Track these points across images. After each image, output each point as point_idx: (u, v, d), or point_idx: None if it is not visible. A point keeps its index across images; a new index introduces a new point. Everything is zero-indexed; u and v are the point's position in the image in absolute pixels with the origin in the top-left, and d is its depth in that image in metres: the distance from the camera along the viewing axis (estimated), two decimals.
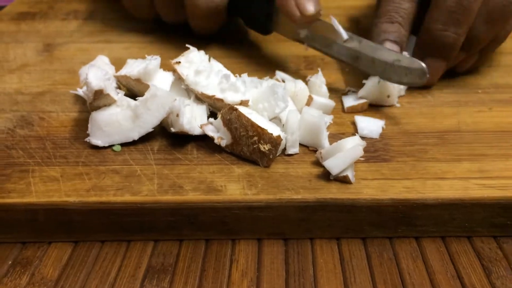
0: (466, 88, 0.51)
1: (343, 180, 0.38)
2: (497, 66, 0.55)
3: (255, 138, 0.39)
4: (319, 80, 0.47)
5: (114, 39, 0.63)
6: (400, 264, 0.36)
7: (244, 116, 0.39)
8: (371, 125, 0.44)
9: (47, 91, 0.51)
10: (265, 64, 0.56)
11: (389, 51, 0.46)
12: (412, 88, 0.50)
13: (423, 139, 0.43)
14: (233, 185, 0.38)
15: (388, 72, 0.45)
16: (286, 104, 0.42)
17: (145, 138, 0.43)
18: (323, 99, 0.46)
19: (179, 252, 0.38)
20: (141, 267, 0.36)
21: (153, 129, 0.42)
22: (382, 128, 0.44)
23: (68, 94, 0.50)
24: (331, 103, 0.46)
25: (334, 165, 0.37)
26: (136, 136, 0.42)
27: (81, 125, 0.45)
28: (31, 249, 0.38)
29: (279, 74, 0.51)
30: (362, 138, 0.42)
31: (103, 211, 0.37)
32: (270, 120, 0.42)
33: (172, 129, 0.41)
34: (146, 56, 0.46)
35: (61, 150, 0.42)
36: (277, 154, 0.41)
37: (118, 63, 0.56)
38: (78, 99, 0.49)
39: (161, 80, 0.45)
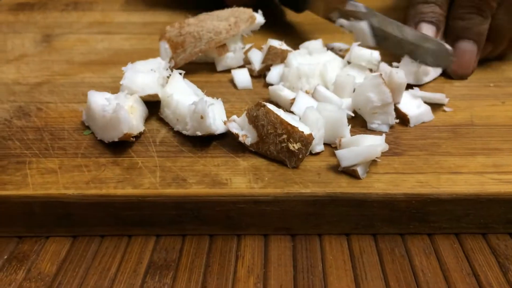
0: (477, 82, 0.49)
1: (352, 174, 0.36)
2: (508, 60, 0.53)
3: (284, 136, 0.37)
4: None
5: (113, 30, 0.61)
6: (413, 261, 0.35)
7: (273, 112, 0.37)
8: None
9: (46, 82, 0.49)
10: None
11: (415, 32, 0.47)
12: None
13: (435, 133, 0.41)
14: (239, 179, 0.36)
15: (414, 52, 0.47)
16: None
17: (147, 130, 0.41)
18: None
19: (182, 247, 0.36)
20: (142, 262, 0.35)
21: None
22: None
23: (67, 84, 0.48)
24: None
25: (345, 157, 0.36)
26: None
27: (80, 116, 0.43)
28: (27, 244, 0.36)
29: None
30: (371, 131, 0.41)
31: (103, 204, 0.35)
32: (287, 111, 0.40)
33: (198, 133, 0.39)
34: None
35: (60, 142, 0.40)
36: (307, 154, 0.38)
37: (119, 54, 0.55)
38: (78, 90, 0.47)
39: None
